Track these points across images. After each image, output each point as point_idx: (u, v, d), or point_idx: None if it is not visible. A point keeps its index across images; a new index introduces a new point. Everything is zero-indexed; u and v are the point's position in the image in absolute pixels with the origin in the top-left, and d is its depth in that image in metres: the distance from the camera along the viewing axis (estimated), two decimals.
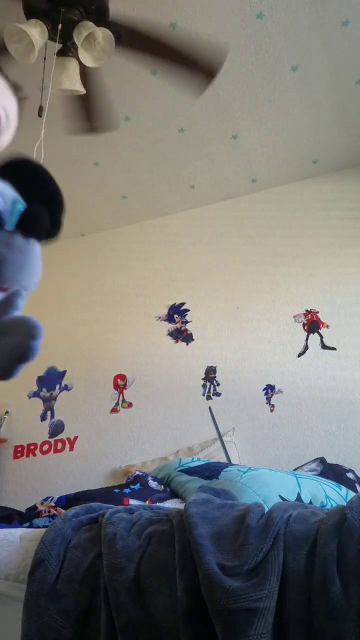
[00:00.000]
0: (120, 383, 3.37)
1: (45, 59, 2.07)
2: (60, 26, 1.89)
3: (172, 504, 1.91)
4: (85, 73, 2.10)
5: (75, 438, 3.28)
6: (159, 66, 2.22)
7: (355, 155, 3.29)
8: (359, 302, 3.06)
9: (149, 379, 3.30)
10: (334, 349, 3.00)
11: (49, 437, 3.32)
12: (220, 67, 2.18)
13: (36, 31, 1.83)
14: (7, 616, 0.95)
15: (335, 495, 1.80)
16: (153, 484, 2.17)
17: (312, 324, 3.11)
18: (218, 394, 3.12)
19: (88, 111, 2.30)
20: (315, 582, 0.76)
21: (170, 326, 3.42)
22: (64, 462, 3.21)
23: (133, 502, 1.95)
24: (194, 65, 2.09)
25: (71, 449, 3.25)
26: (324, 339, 3.04)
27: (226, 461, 2.50)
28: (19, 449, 3.34)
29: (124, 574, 0.87)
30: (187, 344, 3.33)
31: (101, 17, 1.98)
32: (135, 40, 2.01)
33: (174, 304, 3.48)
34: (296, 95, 2.77)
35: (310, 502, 1.72)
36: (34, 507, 1.82)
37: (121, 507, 1.14)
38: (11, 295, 0.63)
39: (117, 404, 3.31)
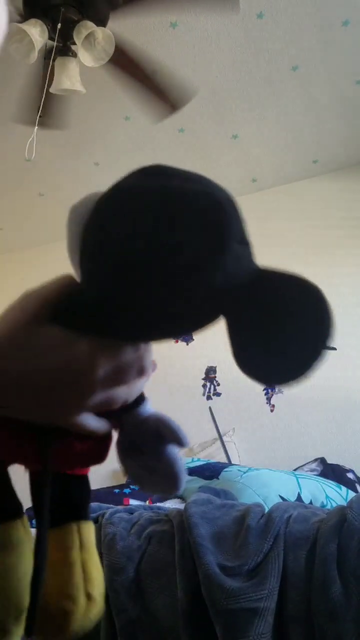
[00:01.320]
0: None
1: (45, 58, 2.07)
2: (60, 26, 1.89)
3: (172, 504, 1.90)
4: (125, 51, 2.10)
5: None
6: (158, 66, 2.22)
7: (356, 155, 3.29)
8: (359, 302, 3.06)
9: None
10: (334, 349, 2.99)
11: None
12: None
13: (36, 31, 1.83)
14: None
15: (335, 495, 1.80)
16: None
17: None
18: (218, 394, 3.12)
19: (157, 90, 2.30)
20: (315, 583, 0.75)
21: None
22: None
23: (133, 502, 1.95)
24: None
25: None
26: None
27: (226, 461, 2.50)
28: None
29: (124, 574, 0.87)
30: (187, 344, 3.33)
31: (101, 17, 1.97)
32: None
33: None
34: (296, 95, 2.76)
35: (311, 502, 1.72)
36: None
37: (121, 507, 1.13)
38: None
39: None
